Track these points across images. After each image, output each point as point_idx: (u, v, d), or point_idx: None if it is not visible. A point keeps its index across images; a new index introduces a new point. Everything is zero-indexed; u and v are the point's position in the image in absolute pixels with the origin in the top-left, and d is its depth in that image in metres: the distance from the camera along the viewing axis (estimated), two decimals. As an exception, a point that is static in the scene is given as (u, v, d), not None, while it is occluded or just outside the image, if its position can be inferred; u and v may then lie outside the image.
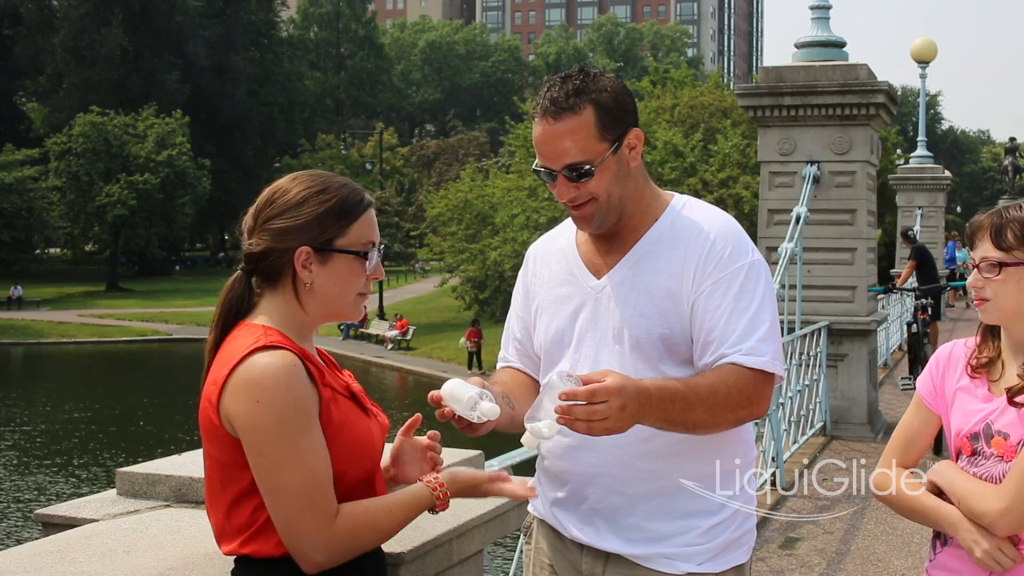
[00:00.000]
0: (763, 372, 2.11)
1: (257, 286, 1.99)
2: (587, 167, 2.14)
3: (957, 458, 2.33)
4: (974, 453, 2.29)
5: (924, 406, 2.41)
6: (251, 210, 2.00)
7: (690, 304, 2.16)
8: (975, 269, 2.29)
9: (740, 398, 2.09)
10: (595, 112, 2.15)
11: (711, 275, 2.16)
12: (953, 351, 2.41)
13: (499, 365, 2.49)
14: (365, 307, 2.10)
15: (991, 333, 2.35)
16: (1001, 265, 2.24)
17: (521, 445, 2.16)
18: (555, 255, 2.37)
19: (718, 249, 2.17)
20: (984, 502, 2.19)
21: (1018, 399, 2.22)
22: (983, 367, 2.33)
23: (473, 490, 2.05)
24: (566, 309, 2.29)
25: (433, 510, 1.99)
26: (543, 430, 1.96)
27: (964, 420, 2.32)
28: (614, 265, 2.24)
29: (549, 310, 2.33)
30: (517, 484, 2.06)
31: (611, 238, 2.26)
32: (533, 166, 2.24)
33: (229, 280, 2.01)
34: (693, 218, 2.24)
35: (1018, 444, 2.20)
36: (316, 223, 1.94)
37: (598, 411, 1.90)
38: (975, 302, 2.32)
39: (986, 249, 2.27)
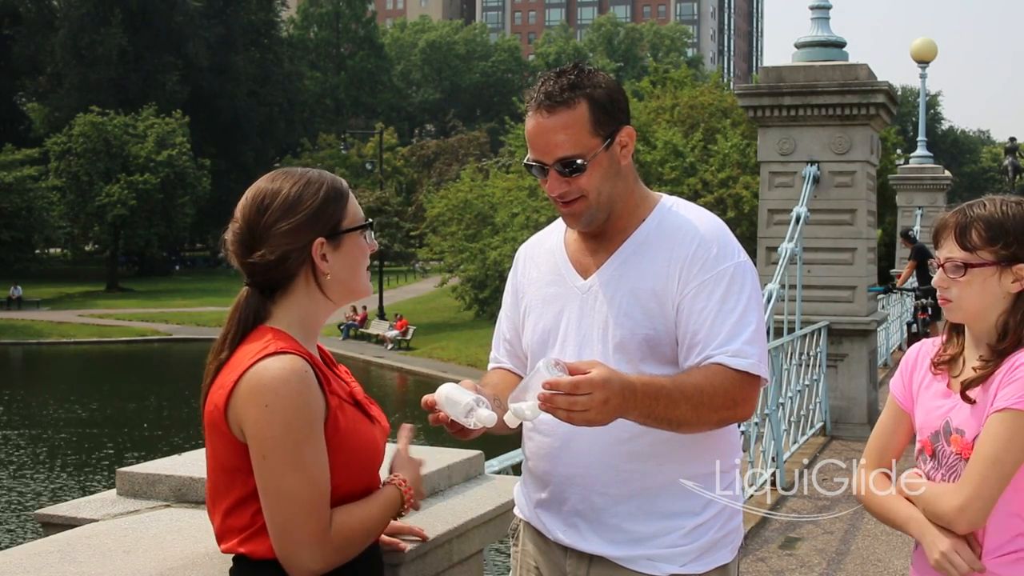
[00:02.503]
0: (749, 374, 2.11)
1: (269, 297, 1.96)
2: (579, 161, 2.14)
3: (919, 456, 2.34)
4: (935, 453, 2.29)
5: (897, 405, 2.41)
6: (240, 226, 1.94)
7: (675, 305, 2.15)
8: (940, 268, 2.27)
9: (725, 399, 2.08)
10: (589, 107, 2.14)
11: (697, 276, 2.15)
12: (921, 350, 2.41)
13: (490, 366, 2.49)
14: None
15: (956, 330, 2.34)
16: (966, 266, 2.22)
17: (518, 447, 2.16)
18: (544, 255, 2.37)
19: (704, 250, 2.16)
20: (943, 502, 2.18)
21: (969, 392, 2.21)
22: (944, 364, 2.32)
23: (415, 465, 2.13)
24: (552, 309, 2.29)
25: (403, 510, 2.05)
26: (526, 412, 1.96)
27: (926, 418, 2.33)
28: (601, 265, 2.24)
29: (537, 310, 2.32)
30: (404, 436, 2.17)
31: (599, 238, 2.26)
32: (524, 160, 2.23)
33: (238, 298, 1.96)
34: (680, 219, 2.23)
35: (973, 440, 2.19)
36: (321, 212, 1.94)
37: (579, 402, 1.90)
38: (940, 301, 2.31)
39: (951, 249, 2.25)
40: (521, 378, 2.39)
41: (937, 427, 2.28)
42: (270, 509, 1.84)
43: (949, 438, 2.25)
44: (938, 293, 2.29)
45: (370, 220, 2.02)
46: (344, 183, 2.02)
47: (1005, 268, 2.21)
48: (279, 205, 1.92)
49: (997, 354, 2.21)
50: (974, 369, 2.23)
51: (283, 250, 1.91)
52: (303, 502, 1.82)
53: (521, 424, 2.25)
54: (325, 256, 1.94)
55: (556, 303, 2.28)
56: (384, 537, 2.20)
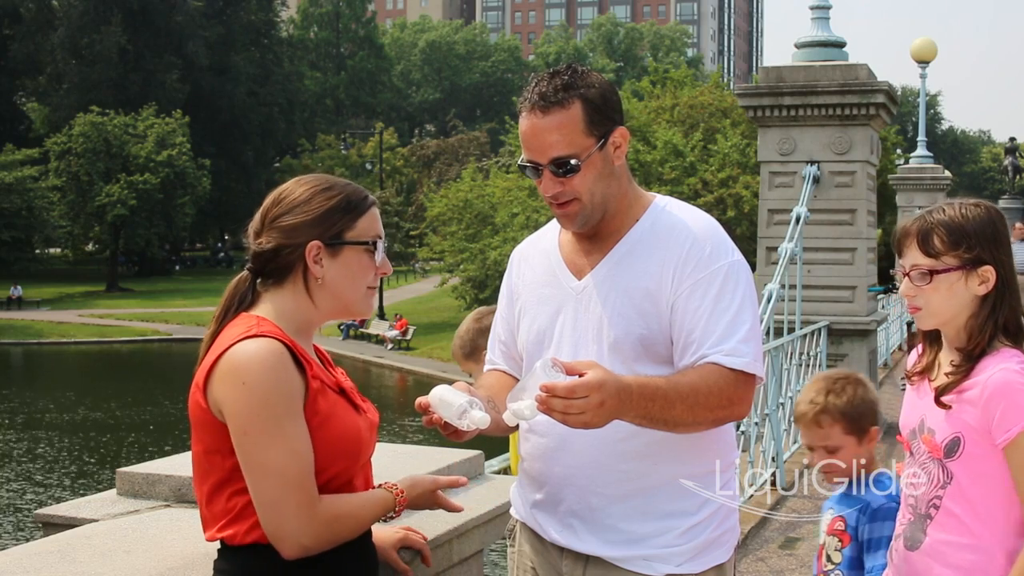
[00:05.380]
0: (744, 373, 2.11)
1: (262, 285, 2.03)
2: (573, 162, 2.14)
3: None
4: (912, 450, 2.31)
5: None
6: (257, 214, 2.05)
7: (670, 305, 2.16)
8: (906, 278, 2.27)
9: (721, 398, 2.08)
10: (583, 107, 2.15)
11: (691, 275, 2.15)
12: (912, 353, 2.45)
13: (486, 368, 2.49)
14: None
15: (931, 338, 2.35)
16: (932, 273, 2.22)
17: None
18: (538, 256, 2.37)
19: (698, 249, 2.17)
20: None
21: (943, 398, 2.21)
22: (917, 375, 2.34)
23: (429, 497, 2.16)
24: (547, 310, 2.29)
25: (390, 516, 2.06)
26: (525, 412, 1.96)
27: (906, 417, 2.35)
28: (595, 266, 2.24)
29: (531, 311, 2.33)
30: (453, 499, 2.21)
31: (593, 239, 2.26)
32: (519, 161, 2.23)
33: (235, 279, 2.04)
34: (673, 219, 2.23)
35: (942, 442, 2.20)
36: (325, 217, 1.99)
37: (575, 405, 1.90)
38: (909, 310, 2.31)
39: (915, 257, 2.24)
40: (516, 380, 2.39)
41: (914, 425, 2.31)
42: (256, 486, 1.85)
43: (922, 436, 2.27)
44: (906, 303, 2.30)
45: (375, 239, 2.03)
46: (370, 199, 2.06)
47: (970, 271, 2.21)
48: (290, 202, 2.01)
49: (966, 358, 2.21)
50: (947, 375, 2.23)
51: (278, 243, 1.98)
52: (289, 475, 1.84)
53: (517, 424, 2.26)
54: (320, 261, 1.98)
55: (551, 304, 2.29)
56: (390, 553, 2.21)
